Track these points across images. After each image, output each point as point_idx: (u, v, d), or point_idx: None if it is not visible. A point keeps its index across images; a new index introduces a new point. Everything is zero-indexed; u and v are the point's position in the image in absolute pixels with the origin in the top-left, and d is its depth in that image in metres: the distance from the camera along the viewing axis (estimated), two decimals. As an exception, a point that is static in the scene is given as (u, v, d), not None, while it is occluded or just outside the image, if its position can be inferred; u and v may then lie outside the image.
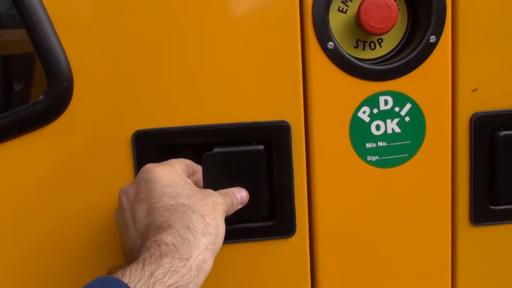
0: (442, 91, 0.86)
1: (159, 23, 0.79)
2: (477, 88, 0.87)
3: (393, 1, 0.82)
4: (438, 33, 0.84)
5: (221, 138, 0.83)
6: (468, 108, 0.87)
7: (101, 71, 0.80)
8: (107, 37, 0.79)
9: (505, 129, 0.88)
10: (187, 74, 0.81)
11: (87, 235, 0.83)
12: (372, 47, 0.89)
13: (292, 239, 0.88)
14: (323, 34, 0.83)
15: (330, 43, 0.83)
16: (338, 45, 0.84)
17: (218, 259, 0.64)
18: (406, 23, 0.88)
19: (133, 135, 0.81)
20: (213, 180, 0.81)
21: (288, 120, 0.84)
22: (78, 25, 0.79)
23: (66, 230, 0.83)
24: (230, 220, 0.78)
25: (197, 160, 0.82)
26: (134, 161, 0.82)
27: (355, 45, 0.89)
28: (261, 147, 0.84)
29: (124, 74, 0.80)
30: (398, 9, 0.86)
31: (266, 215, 0.86)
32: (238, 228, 0.86)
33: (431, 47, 0.84)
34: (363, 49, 0.89)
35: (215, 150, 0.82)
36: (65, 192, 0.82)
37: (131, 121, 0.82)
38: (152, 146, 0.82)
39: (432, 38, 0.84)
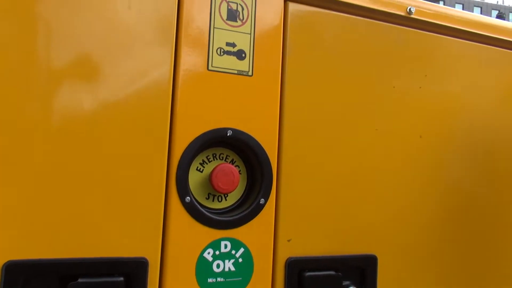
0: (267, 240, 1.18)
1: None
2: (291, 239, 1.20)
3: (236, 171, 1.13)
4: (266, 197, 1.17)
5: (87, 270, 0.98)
6: (284, 253, 1.20)
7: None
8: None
9: (309, 271, 1.22)
10: (66, 210, 0.98)
11: None
12: (220, 200, 1.18)
13: None
14: (182, 190, 1.09)
15: (187, 197, 1.09)
16: (193, 199, 1.11)
17: None
18: (245, 185, 1.20)
19: (3, 266, 0.92)
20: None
21: (147, 257, 1.04)
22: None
23: None
24: None
25: (62, 289, 0.96)
26: (0, 289, 0.91)
27: (207, 197, 1.17)
28: (121, 279, 1.01)
29: None
30: (240, 173, 1.18)
31: None
32: None
33: (260, 207, 1.17)
34: (213, 201, 1.17)
35: (79, 280, 0.97)
36: None
37: (2, 251, 0.93)
38: (21, 276, 0.93)
39: (262, 200, 1.17)
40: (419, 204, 1.37)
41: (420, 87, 1.37)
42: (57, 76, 0.99)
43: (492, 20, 1.50)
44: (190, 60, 1.10)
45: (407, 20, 1.34)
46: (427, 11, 1.36)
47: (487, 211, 1.48)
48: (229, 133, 1.11)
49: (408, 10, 1.33)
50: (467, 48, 1.44)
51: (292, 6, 1.22)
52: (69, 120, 1.00)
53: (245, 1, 1.16)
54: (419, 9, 1.34)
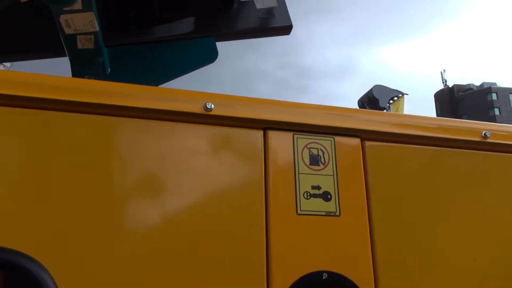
0: None
1: None
2: None
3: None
4: None
5: None
6: None
7: None
8: None
9: None
10: None
11: None
12: None
13: None
14: None
15: None
16: None
17: None
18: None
19: None
20: None
21: None
22: None
23: None
24: None
25: None
26: None
27: None
28: None
29: None
30: (337, 316, 1.18)
31: None
32: None
33: None
34: None
35: None
36: None
37: None
38: None
39: None
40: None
41: None
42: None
43: None
44: (280, 206, 1.18)
45: (483, 145, 1.39)
46: (504, 133, 1.41)
47: None
48: (324, 276, 1.15)
49: (483, 134, 1.39)
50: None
51: (368, 144, 1.32)
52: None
53: (324, 145, 1.27)
54: (495, 132, 1.40)
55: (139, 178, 1.14)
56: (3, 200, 1.03)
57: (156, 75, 2.90)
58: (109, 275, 1.03)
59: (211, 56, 2.89)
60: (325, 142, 1.27)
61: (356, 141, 1.30)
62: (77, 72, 2.44)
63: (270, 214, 1.17)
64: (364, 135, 1.31)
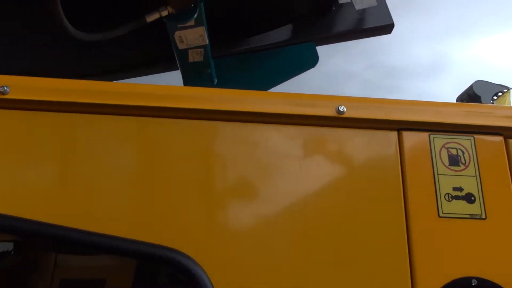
0: None
1: None
2: None
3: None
4: None
5: None
6: None
7: None
8: None
9: None
10: None
11: None
12: None
13: None
14: None
15: None
16: None
17: None
18: None
19: None
20: None
21: None
22: None
23: None
24: None
25: None
26: None
27: None
28: None
29: None
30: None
31: None
32: None
33: None
34: None
35: None
36: None
37: None
38: None
39: None
40: None
41: None
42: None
43: None
44: (420, 209, 1.15)
45: None
46: None
47: None
48: (474, 282, 1.09)
49: None
50: None
51: (512, 142, 1.24)
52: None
53: (464, 145, 1.22)
54: None
55: (276, 181, 1.17)
56: (155, 203, 1.12)
57: (259, 82, 2.97)
58: (253, 274, 1.08)
59: (312, 61, 2.89)
60: (465, 142, 1.22)
61: (498, 139, 1.23)
62: (188, 84, 2.58)
63: (410, 217, 1.14)
64: (507, 132, 1.23)
